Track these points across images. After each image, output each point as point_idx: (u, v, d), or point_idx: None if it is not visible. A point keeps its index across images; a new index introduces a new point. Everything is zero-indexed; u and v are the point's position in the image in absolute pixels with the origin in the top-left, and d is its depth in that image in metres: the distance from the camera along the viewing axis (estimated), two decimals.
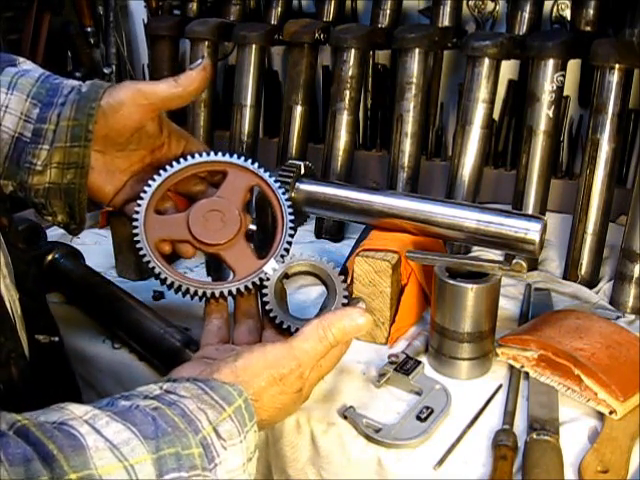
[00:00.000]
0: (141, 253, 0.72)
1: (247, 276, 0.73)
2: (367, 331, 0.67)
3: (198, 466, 0.51)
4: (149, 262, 0.72)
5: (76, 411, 0.50)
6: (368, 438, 0.74)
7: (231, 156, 0.77)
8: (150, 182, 0.75)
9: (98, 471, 0.46)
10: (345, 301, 0.73)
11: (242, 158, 0.78)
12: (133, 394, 0.55)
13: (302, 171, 0.96)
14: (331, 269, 0.74)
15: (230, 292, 0.72)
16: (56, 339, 0.76)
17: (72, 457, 0.45)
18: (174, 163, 0.76)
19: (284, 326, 0.70)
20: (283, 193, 0.78)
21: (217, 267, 0.97)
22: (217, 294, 0.72)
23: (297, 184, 0.94)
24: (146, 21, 1.51)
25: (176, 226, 0.74)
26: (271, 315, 0.71)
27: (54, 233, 1.22)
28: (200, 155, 0.77)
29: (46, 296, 0.99)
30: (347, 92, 1.19)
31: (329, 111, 1.22)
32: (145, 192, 0.74)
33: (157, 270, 0.72)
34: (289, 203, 0.77)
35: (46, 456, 0.44)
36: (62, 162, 0.70)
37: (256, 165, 0.78)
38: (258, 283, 0.73)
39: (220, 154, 0.77)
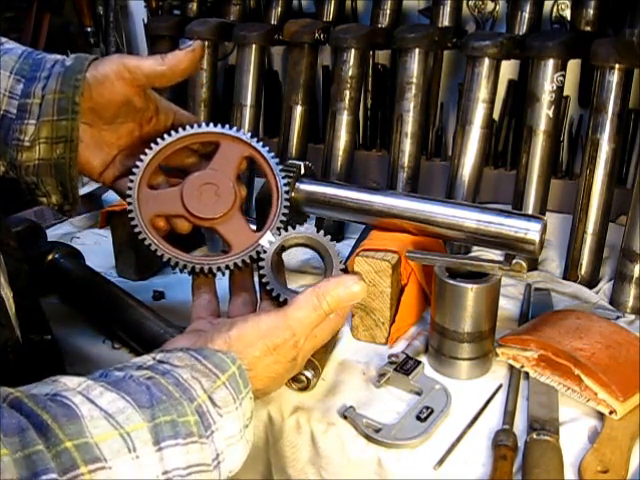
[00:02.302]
0: (136, 230, 0.71)
1: (244, 250, 0.72)
2: (362, 297, 0.65)
3: (195, 433, 0.51)
4: (145, 239, 0.71)
5: (69, 383, 0.50)
6: (368, 438, 0.74)
7: (223, 127, 0.76)
8: (142, 156, 0.73)
9: (94, 439, 0.46)
10: (341, 274, 0.72)
11: (234, 128, 0.76)
12: (127, 365, 0.55)
13: (302, 171, 0.95)
14: (328, 242, 0.73)
15: (227, 266, 0.71)
16: (48, 337, 0.76)
17: (67, 426, 0.45)
18: (165, 136, 0.74)
19: (281, 299, 0.69)
20: (277, 164, 0.76)
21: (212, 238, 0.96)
22: (215, 269, 0.71)
23: (297, 184, 0.94)
24: (146, 21, 1.51)
25: (170, 201, 0.72)
26: (268, 288, 0.70)
27: (54, 233, 1.22)
28: (191, 127, 0.75)
29: (46, 296, 0.99)
30: (347, 92, 1.19)
31: (329, 111, 1.22)
32: (137, 167, 0.72)
33: (153, 247, 0.71)
34: (283, 174, 0.76)
35: (40, 426, 0.44)
36: (50, 137, 0.68)
37: (249, 135, 0.76)
38: (255, 257, 0.72)
39: (212, 125, 0.76)
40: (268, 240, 0.72)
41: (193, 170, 0.75)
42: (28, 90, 0.68)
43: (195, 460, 0.50)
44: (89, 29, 1.54)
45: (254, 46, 1.26)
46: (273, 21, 1.35)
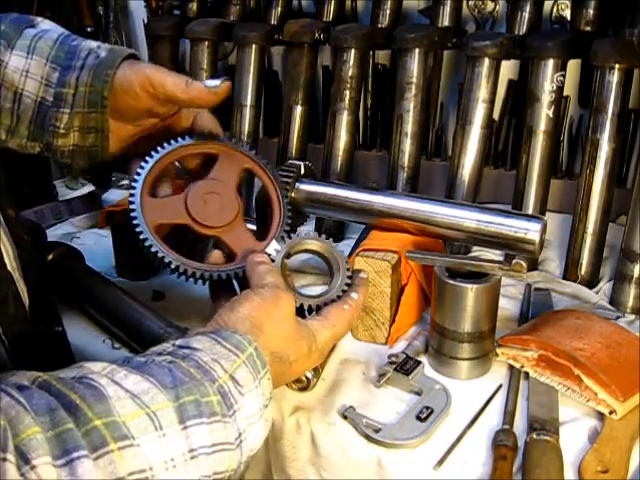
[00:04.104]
0: (142, 237, 0.71)
1: None
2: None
3: (218, 413, 0.52)
4: (151, 246, 0.71)
5: (94, 367, 0.52)
6: (368, 438, 0.74)
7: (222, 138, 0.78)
8: (142, 165, 0.74)
9: (121, 418, 0.47)
10: (349, 274, 0.75)
11: (233, 140, 0.78)
12: (147, 353, 0.57)
13: (302, 171, 0.96)
14: (333, 247, 0.75)
15: (237, 274, 0.72)
16: (59, 329, 0.78)
17: (95, 405, 0.47)
18: (165, 145, 0.76)
19: (296, 304, 0.70)
20: (276, 174, 0.79)
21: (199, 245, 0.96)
22: (224, 276, 0.72)
23: (297, 184, 0.94)
24: (146, 21, 1.51)
25: (174, 209, 0.73)
26: None
27: (54, 233, 1.22)
28: (190, 137, 0.77)
29: None
30: (347, 92, 1.19)
31: (329, 111, 1.22)
32: (139, 174, 0.74)
33: (160, 254, 0.71)
34: (283, 182, 0.79)
35: (69, 405, 0.46)
36: (82, 127, 0.72)
37: (247, 147, 0.78)
38: None
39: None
40: (274, 248, 0.75)
41: (196, 172, 0.77)
42: (63, 79, 0.71)
43: (219, 439, 0.52)
44: (89, 29, 1.54)
45: (254, 46, 1.26)
46: (273, 21, 1.35)
